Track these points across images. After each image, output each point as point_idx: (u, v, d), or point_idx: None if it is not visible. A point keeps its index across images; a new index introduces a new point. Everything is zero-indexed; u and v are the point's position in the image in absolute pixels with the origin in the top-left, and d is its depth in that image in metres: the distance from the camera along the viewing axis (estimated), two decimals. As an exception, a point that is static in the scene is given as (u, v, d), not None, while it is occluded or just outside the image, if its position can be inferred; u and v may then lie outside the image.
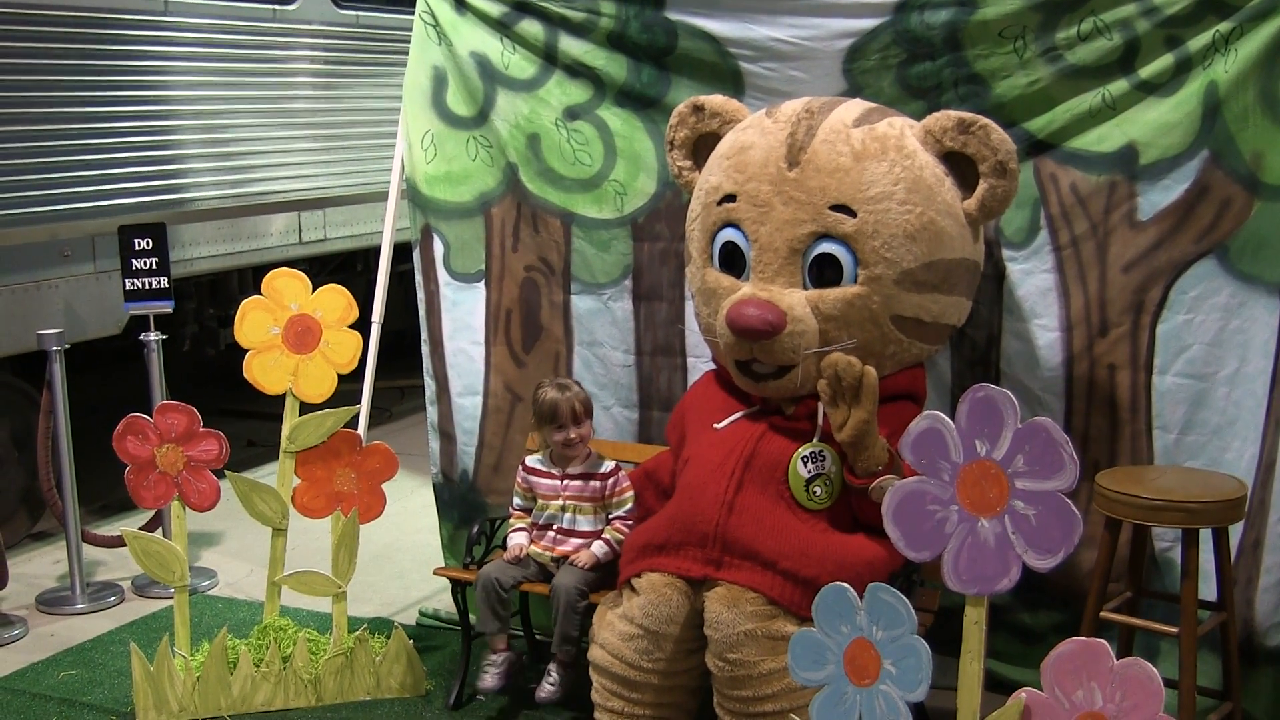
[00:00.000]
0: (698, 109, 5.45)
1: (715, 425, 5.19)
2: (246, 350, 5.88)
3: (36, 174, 7.59)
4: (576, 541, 5.54)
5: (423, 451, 6.73)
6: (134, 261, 6.93)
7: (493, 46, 6.14)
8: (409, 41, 6.38)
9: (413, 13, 6.36)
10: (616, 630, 5.01)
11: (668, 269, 6.01)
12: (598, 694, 5.12)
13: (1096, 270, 5.35)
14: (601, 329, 6.18)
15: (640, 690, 5.02)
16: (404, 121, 6.40)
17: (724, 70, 5.74)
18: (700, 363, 5.96)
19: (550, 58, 6.06)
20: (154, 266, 6.95)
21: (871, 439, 4.77)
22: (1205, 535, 4.81)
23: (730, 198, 5.13)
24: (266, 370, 5.87)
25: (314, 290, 5.92)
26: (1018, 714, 3.90)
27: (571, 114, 6.07)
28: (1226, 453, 5.24)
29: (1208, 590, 5.01)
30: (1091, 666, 3.78)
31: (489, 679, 5.51)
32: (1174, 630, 4.75)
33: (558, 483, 5.59)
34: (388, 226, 6.53)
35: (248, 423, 9.88)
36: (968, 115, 4.94)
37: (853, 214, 4.90)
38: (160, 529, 7.15)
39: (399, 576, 7.40)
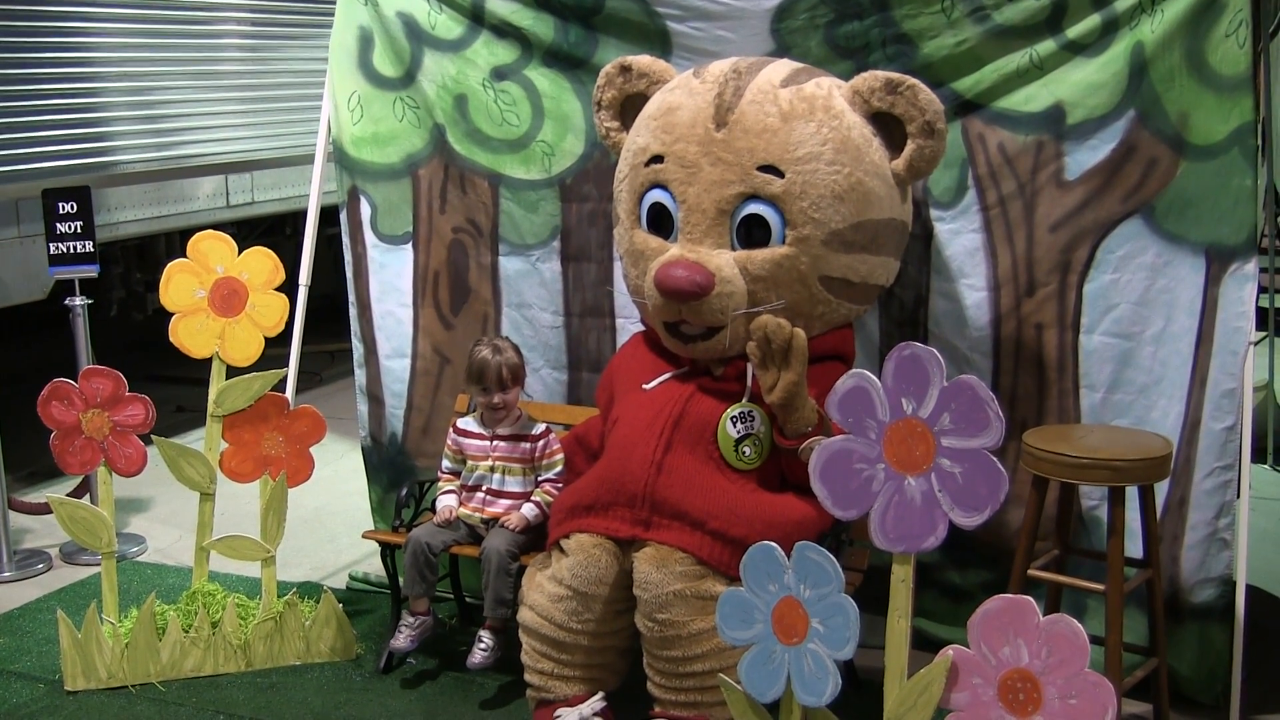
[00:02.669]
0: (625, 69, 5.42)
1: (644, 386, 5.19)
2: (173, 314, 5.83)
3: (-42, 138, 7.50)
4: (506, 503, 5.54)
5: (352, 415, 6.70)
6: (58, 225, 6.86)
7: (419, 7, 6.09)
8: (335, 1, 6.32)
9: (339, -28, 6.31)
10: (545, 592, 5.00)
11: (596, 230, 6.00)
12: (527, 655, 5.11)
13: (1024, 230, 5.37)
14: (530, 290, 6.16)
15: (570, 651, 5.02)
16: (330, 83, 6.34)
17: (651, 30, 5.71)
18: (629, 324, 5.95)
19: (477, 18, 6.01)
20: (79, 230, 6.88)
21: (801, 400, 4.78)
22: (1131, 493, 4.85)
23: (658, 159, 5.11)
24: (192, 334, 5.81)
25: (240, 253, 5.87)
26: (945, 671, 3.92)
27: (499, 74, 6.03)
28: (1152, 411, 5.28)
29: (1134, 548, 5.06)
30: (1018, 623, 3.81)
31: (402, 640, 5.53)
32: (1100, 587, 4.78)
33: (487, 443, 5.58)
34: (314, 189, 6.47)
35: (177, 387, 9.81)
36: (896, 75, 4.93)
37: (780, 175, 4.90)
38: (88, 495, 7.10)
39: (329, 540, 7.37)
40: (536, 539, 5.42)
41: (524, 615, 5.09)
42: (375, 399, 6.50)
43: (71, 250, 6.88)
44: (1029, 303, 5.41)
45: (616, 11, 5.73)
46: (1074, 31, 5.17)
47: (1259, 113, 5.05)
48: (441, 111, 6.13)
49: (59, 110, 8.10)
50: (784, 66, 5.15)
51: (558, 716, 5.06)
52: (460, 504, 5.61)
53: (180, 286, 5.80)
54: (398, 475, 6.43)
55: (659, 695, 4.90)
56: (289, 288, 5.93)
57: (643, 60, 5.41)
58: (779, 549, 4.14)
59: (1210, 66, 5.00)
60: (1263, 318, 5.88)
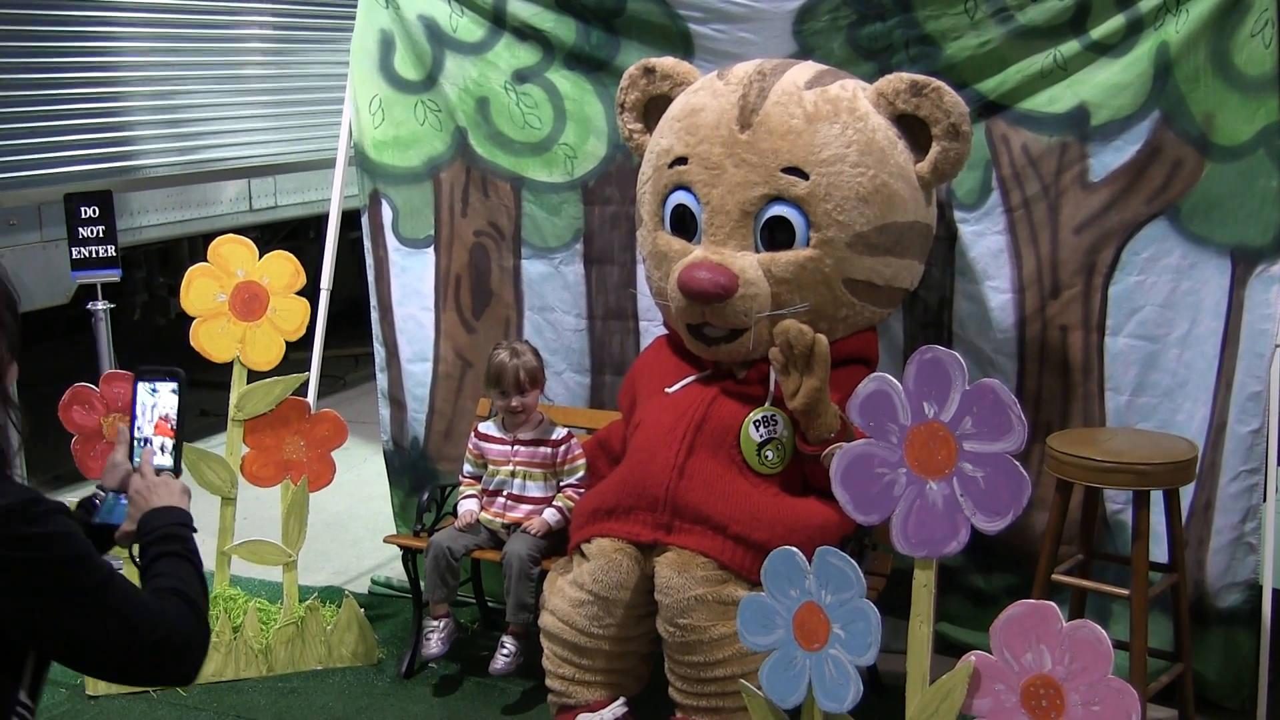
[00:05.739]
0: (649, 71, 5.40)
1: (667, 389, 5.17)
2: (194, 318, 5.83)
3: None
4: (526, 508, 5.51)
5: (376, 419, 6.68)
6: (80, 230, 6.85)
7: (440, 9, 6.08)
8: (356, 5, 6.31)
9: (360, -24, 6.30)
10: (567, 596, 4.98)
11: (619, 232, 5.98)
12: (549, 660, 5.09)
13: (1048, 232, 5.34)
14: (553, 293, 6.14)
15: (591, 656, 5.00)
16: (351, 86, 6.33)
17: (674, 32, 5.69)
18: (652, 327, 5.93)
19: (499, 20, 6.00)
20: (101, 234, 6.86)
21: (824, 406, 4.75)
22: (1156, 497, 4.82)
23: (681, 160, 5.09)
24: (213, 338, 5.82)
25: (261, 257, 5.86)
26: (966, 677, 3.89)
27: (520, 77, 6.01)
28: (1178, 414, 5.24)
29: (1159, 552, 5.02)
30: (1040, 629, 3.78)
31: (433, 645, 5.50)
32: (1125, 592, 4.76)
33: (508, 448, 5.56)
34: (336, 192, 6.46)
35: (199, 391, 9.75)
36: (920, 77, 4.91)
37: (805, 176, 4.87)
38: (110, 498, 7.09)
39: (352, 545, 7.36)
40: (558, 543, 5.39)
41: (545, 620, 5.07)
42: (397, 403, 6.49)
43: (94, 254, 6.87)
44: (1054, 305, 5.38)
45: (638, 14, 5.71)
46: (1098, 32, 5.14)
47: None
48: (463, 114, 6.12)
49: (82, 115, 8.12)
50: (808, 68, 5.13)
51: (579, 722, 5.05)
52: (481, 508, 5.59)
53: (201, 291, 5.81)
54: (420, 479, 6.41)
55: (680, 700, 4.87)
56: (312, 292, 5.92)
57: (666, 62, 5.39)
58: (800, 554, 4.11)
59: (1235, 67, 4.97)
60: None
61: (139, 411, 3.28)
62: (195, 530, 3.06)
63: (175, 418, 3.25)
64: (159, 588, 2.81)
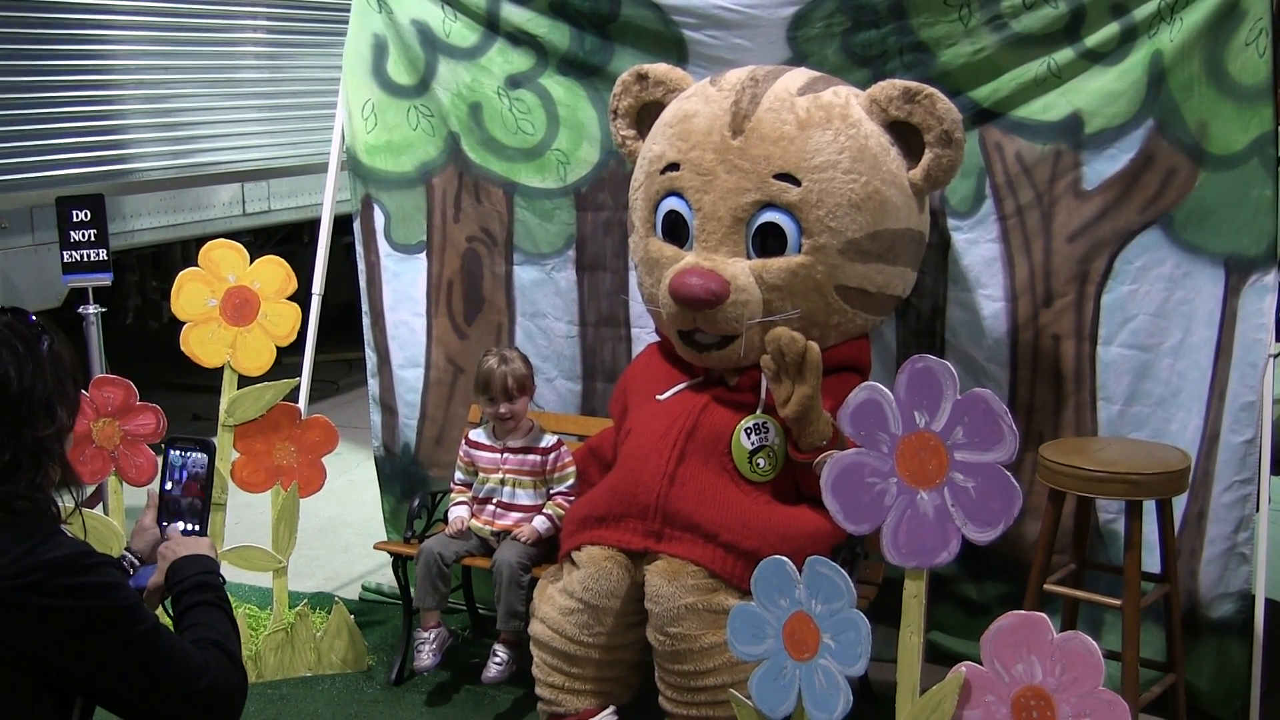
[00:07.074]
0: (641, 77, 5.38)
1: (658, 396, 5.15)
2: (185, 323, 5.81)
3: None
4: (516, 515, 5.49)
5: (368, 424, 6.67)
6: (72, 233, 6.82)
7: (434, 14, 6.07)
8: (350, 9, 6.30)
9: (355, -21, 6.28)
10: (557, 604, 4.96)
11: (611, 239, 5.96)
12: (539, 669, 5.08)
13: (1041, 240, 5.32)
14: (544, 300, 6.13)
15: (581, 665, 4.98)
16: (344, 91, 6.32)
17: (668, 38, 5.68)
18: (644, 333, 5.91)
19: (492, 26, 5.99)
20: (92, 238, 6.84)
21: (815, 414, 4.73)
22: (1149, 507, 4.80)
23: (673, 166, 5.07)
24: (204, 343, 5.80)
25: (253, 261, 5.85)
26: (957, 688, 3.87)
27: (514, 83, 6.00)
28: (1170, 424, 5.23)
29: (1151, 562, 5.00)
30: (1031, 640, 3.76)
31: (425, 657, 5.46)
32: (1117, 603, 4.73)
33: (498, 455, 5.53)
34: (328, 197, 6.45)
35: (192, 396, 9.78)
36: (914, 84, 4.89)
37: (797, 183, 4.86)
38: (100, 505, 7.07)
39: (344, 550, 7.34)
40: (548, 551, 5.38)
41: (535, 628, 5.05)
42: (389, 409, 6.47)
43: (85, 258, 6.84)
44: (1046, 313, 5.37)
45: (632, 19, 5.70)
46: (1092, 40, 5.13)
47: (1279, 122, 4.99)
48: (456, 120, 6.11)
49: (75, 118, 8.10)
50: (801, 75, 5.11)
51: (569, 730, 5.03)
52: (472, 515, 5.57)
53: (192, 295, 5.79)
54: (410, 486, 6.40)
55: (670, 709, 4.86)
56: (304, 296, 5.91)
57: (659, 68, 5.38)
58: (790, 563, 4.09)
59: (1230, 75, 4.95)
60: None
61: (168, 474, 3.40)
62: (224, 580, 3.14)
63: (204, 478, 3.38)
64: (199, 638, 2.90)
